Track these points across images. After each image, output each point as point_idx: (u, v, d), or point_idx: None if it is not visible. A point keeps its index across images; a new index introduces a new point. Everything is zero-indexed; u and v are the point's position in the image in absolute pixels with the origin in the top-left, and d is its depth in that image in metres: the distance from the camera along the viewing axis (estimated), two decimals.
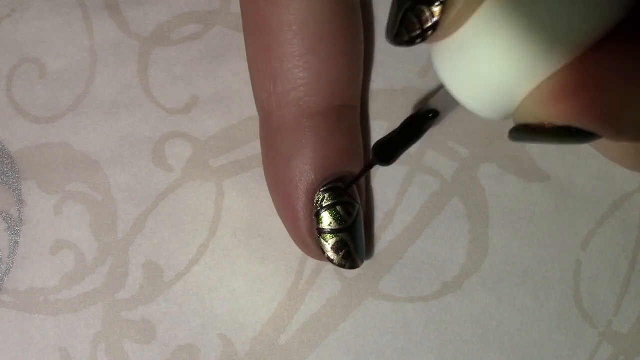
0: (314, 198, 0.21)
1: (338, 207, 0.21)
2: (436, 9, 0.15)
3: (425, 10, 0.16)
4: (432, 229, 0.24)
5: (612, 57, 0.15)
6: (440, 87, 0.17)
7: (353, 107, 0.22)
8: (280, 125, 0.21)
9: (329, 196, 0.21)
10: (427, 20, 0.16)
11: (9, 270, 0.23)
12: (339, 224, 0.21)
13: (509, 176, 0.24)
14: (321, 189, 0.21)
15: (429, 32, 0.16)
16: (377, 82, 0.24)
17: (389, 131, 0.20)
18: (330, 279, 0.23)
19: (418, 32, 0.16)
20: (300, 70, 0.20)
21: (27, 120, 0.24)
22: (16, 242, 0.23)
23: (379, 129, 0.24)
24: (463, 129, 0.24)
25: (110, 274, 0.23)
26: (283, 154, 0.21)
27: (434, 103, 0.19)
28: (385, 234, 0.24)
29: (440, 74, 0.17)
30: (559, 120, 0.15)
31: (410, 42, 0.16)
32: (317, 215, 0.21)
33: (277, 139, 0.21)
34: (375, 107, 0.24)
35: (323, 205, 0.21)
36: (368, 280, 0.23)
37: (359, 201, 0.21)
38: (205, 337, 0.23)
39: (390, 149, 0.19)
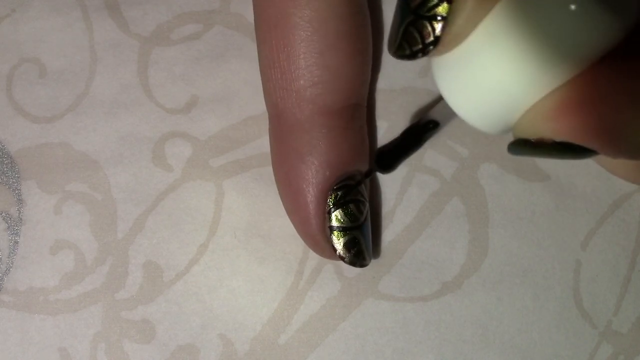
0: (327, 196, 0.21)
1: (352, 205, 0.21)
2: (438, 25, 0.15)
3: (427, 25, 0.16)
4: (432, 229, 0.24)
5: (614, 75, 0.15)
6: (441, 98, 0.17)
7: (362, 107, 0.22)
8: (295, 122, 0.21)
9: (342, 194, 0.21)
10: (428, 35, 0.16)
11: (9, 270, 0.23)
12: (352, 222, 0.21)
13: (509, 176, 0.24)
14: (335, 187, 0.21)
15: (431, 47, 0.16)
16: (377, 82, 0.24)
17: (389, 131, 0.20)
18: (330, 279, 0.23)
19: (420, 46, 0.16)
20: (319, 68, 0.20)
21: (27, 120, 0.24)
22: (16, 242, 0.23)
23: (379, 129, 0.24)
24: (463, 129, 0.24)
25: (110, 274, 0.23)
26: (297, 151, 0.21)
27: (434, 114, 0.19)
28: (385, 234, 0.24)
29: (440, 87, 0.17)
30: (559, 137, 0.15)
31: (412, 56, 0.16)
32: (330, 213, 0.21)
33: (292, 137, 0.21)
34: (374, 107, 0.24)
35: (337, 203, 0.21)
36: (368, 280, 0.23)
37: (368, 200, 0.22)
38: (205, 337, 0.23)
39: (390, 157, 0.20)
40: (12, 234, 0.23)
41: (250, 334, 0.23)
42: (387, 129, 0.24)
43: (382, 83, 0.24)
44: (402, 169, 0.24)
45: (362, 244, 0.21)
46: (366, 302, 0.23)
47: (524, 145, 0.16)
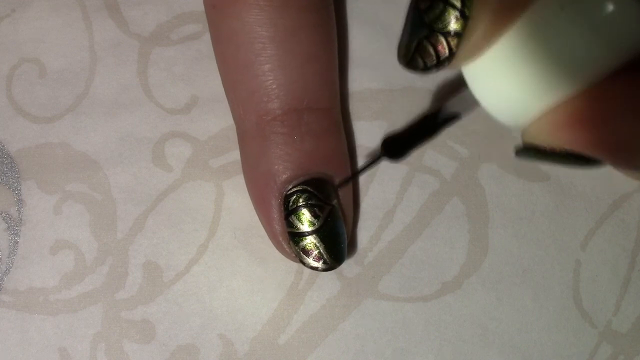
0: (281, 202, 0.21)
1: (304, 210, 0.21)
2: (454, 41, 0.15)
3: (443, 40, 0.15)
4: (432, 229, 0.24)
5: (628, 89, 0.15)
6: (461, 88, 0.17)
7: (321, 110, 0.22)
8: (244, 132, 0.22)
9: (295, 200, 0.21)
10: (444, 51, 0.16)
11: (9, 270, 0.23)
12: (308, 227, 0.21)
13: (509, 176, 0.24)
14: (286, 193, 0.21)
15: (446, 62, 0.16)
16: (377, 82, 0.24)
17: (388, 131, 0.19)
18: (330, 279, 0.23)
19: (434, 62, 0.16)
20: (252, 78, 0.21)
21: (27, 120, 0.24)
22: (16, 242, 0.23)
23: (379, 128, 0.24)
24: (463, 129, 0.24)
25: (110, 274, 0.23)
26: (250, 160, 0.22)
27: (454, 103, 0.18)
28: (385, 234, 0.24)
29: (468, 79, 0.17)
30: (572, 147, 0.15)
31: (426, 70, 0.16)
32: (286, 219, 0.21)
33: (245, 146, 0.22)
34: (374, 107, 0.24)
35: (289, 209, 0.21)
36: (368, 280, 0.23)
37: (333, 203, 0.21)
38: (205, 337, 0.23)
39: (401, 145, 0.18)
40: (12, 234, 0.23)
41: (250, 334, 0.23)
42: (387, 129, 0.24)
43: (382, 83, 0.24)
44: (402, 169, 0.24)
45: (321, 249, 0.21)
46: (366, 302, 0.23)
47: (533, 152, 0.16)
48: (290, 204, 0.21)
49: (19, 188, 0.24)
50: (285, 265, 0.23)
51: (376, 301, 0.23)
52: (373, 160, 0.20)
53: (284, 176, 0.21)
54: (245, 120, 0.21)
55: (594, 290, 0.24)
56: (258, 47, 0.20)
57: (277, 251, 0.22)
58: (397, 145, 0.19)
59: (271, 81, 0.20)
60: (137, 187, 0.24)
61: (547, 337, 0.23)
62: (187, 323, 0.23)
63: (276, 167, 0.21)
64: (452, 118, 0.18)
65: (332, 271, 0.23)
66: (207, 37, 0.24)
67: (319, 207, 0.21)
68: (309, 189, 0.21)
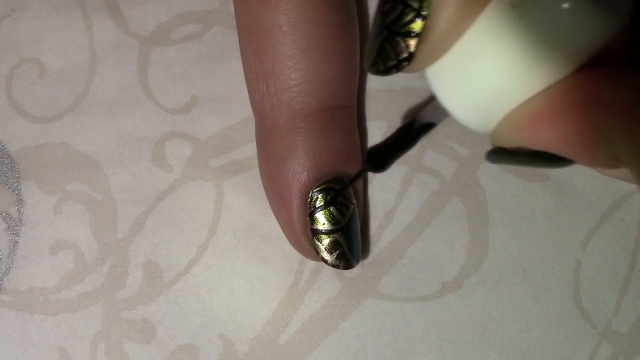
0: (307, 199, 0.21)
1: (332, 208, 0.21)
2: (412, 41, 0.15)
3: (401, 41, 0.16)
4: (432, 229, 0.24)
5: (591, 84, 0.14)
6: (433, 97, 0.17)
7: (348, 107, 0.22)
8: (273, 126, 0.21)
9: (322, 197, 0.21)
10: (402, 52, 0.16)
11: (9, 270, 0.23)
12: (333, 225, 0.21)
13: (509, 176, 0.24)
14: (315, 190, 0.21)
15: (405, 63, 0.16)
16: (377, 82, 0.24)
17: (389, 131, 0.20)
18: (330, 279, 0.23)
19: (394, 62, 0.16)
20: (292, 71, 0.20)
21: (27, 120, 0.24)
22: (16, 242, 0.23)
23: (379, 129, 0.24)
24: (463, 129, 0.24)
25: (110, 274, 0.23)
26: (277, 155, 0.21)
27: (427, 113, 0.19)
28: (385, 234, 0.24)
29: (433, 86, 0.17)
30: (535, 146, 0.15)
31: (386, 71, 0.16)
32: (311, 216, 0.21)
33: (271, 141, 0.21)
34: (374, 107, 0.24)
35: (317, 206, 0.21)
36: (368, 280, 0.23)
37: (354, 202, 0.21)
38: (205, 337, 0.23)
39: (383, 157, 0.19)
40: (12, 234, 0.23)
41: (250, 334, 0.23)
42: (387, 129, 0.24)
43: (381, 83, 0.24)
44: (402, 169, 0.24)
45: (345, 247, 0.21)
46: (366, 302, 0.23)
47: (501, 154, 0.16)
48: (318, 201, 0.21)
49: (19, 188, 0.24)
50: (285, 265, 0.23)
51: (376, 301, 0.23)
52: (359, 173, 0.21)
53: (312, 173, 0.21)
54: (274, 114, 0.21)
55: (594, 290, 0.24)
56: (303, 42, 0.20)
57: (277, 251, 0.22)
58: (379, 158, 0.19)
59: (312, 75, 0.20)
60: (137, 187, 0.24)
61: (547, 337, 0.23)
62: (187, 323, 0.23)
63: (304, 162, 0.21)
64: (428, 127, 0.18)
65: (332, 271, 0.23)
66: (207, 37, 0.24)
67: (345, 206, 0.21)
68: (336, 187, 0.21)
